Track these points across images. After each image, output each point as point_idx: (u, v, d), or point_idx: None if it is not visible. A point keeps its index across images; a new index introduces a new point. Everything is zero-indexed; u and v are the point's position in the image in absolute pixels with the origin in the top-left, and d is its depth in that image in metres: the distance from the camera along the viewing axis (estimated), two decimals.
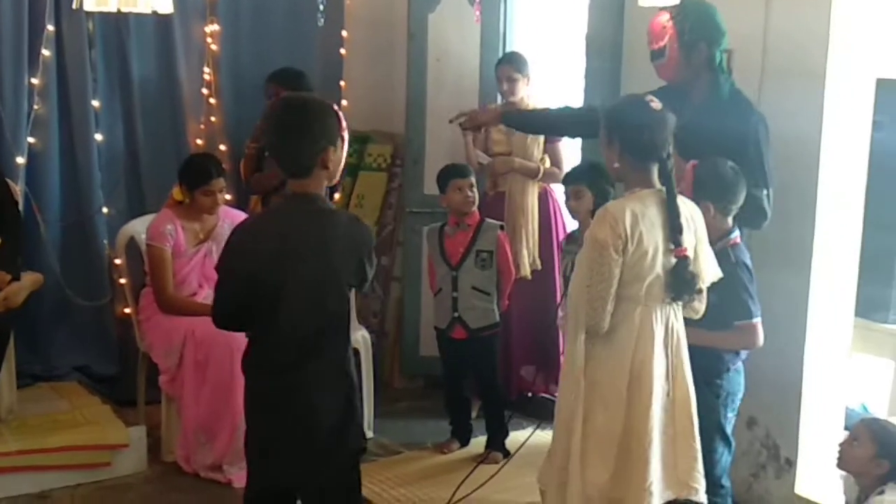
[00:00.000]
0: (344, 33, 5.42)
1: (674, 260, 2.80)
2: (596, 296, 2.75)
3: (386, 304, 5.37)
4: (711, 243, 2.97)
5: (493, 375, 4.43)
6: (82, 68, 4.73)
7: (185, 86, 5.00)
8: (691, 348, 2.95)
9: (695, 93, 3.45)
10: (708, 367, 3.11)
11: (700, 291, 2.87)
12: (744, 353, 3.26)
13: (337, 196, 5.22)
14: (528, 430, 3.97)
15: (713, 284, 2.92)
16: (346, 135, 2.70)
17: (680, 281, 2.80)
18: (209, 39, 5.07)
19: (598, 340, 2.82)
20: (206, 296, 4.28)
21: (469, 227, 4.29)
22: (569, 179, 4.05)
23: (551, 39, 5.15)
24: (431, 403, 4.93)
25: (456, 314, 4.29)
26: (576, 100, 4.45)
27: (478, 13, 3.27)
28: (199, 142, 5.08)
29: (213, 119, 5.12)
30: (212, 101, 5.11)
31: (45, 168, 4.73)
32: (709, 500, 2.99)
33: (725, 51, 3.44)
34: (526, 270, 4.62)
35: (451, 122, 4.15)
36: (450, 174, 4.28)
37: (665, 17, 3.42)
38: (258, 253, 2.63)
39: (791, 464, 3.83)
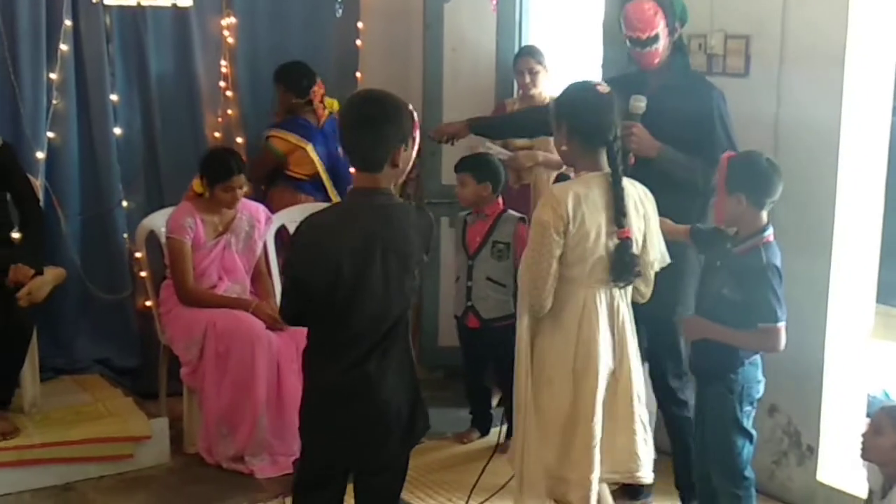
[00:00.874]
0: (360, 24, 5.42)
1: (617, 242, 2.85)
2: (537, 275, 2.84)
3: None
4: (743, 239, 3.00)
5: (508, 365, 4.41)
6: (100, 63, 4.75)
7: (203, 79, 5.02)
8: (706, 343, 3.00)
9: (659, 74, 3.50)
10: (721, 362, 3.11)
11: (640, 275, 2.92)
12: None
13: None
14: None
15: (740, 282, 2.96)
16: (417, 135, 2.71)
17: (621, 263, 2.85)
18: (226, 32, 5.08)
19: (545, 320, 2.90)
20: (227, 288, 4.31)
21: (488, 217, 4.29)
22: (455, 168, 4.24)
23: (567, 28, 5.14)
24: (451, 393, 4.93)
25: (469, 303, 4.30)
26: None
27: (494, 3, 3.26)
28: (216, 134, 5.10)
29: (230, 112, 5.13)
30: (229, 93, 5.12)
31: (65, 162, 4.76)
32: (732, 492, 3.09)
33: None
34: None
35: (429, 137, 4.13)
36: (455, 168, 4.34)
37: (652, 4, 3.41)
38: (341, 251, 2.60)
39: (813, 451, 3.82)
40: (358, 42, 5.44)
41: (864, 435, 3.00)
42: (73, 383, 4.60)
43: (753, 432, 3.25)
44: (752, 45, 3.83)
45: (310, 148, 4.91)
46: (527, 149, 4.71)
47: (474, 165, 4.29)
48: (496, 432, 4.47)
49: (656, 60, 3.49)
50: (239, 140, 5.14)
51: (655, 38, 3.41)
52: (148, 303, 4.68)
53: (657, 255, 3.00)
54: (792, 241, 3.75)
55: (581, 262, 2.85)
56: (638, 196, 2.96)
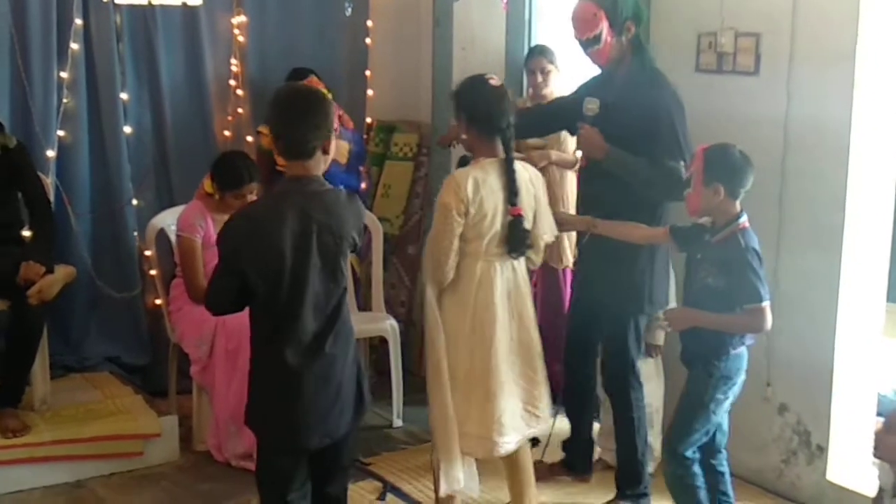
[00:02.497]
0: (369, 23, 5.42)
1: (510, 218, 3.18)
2: (440, 251, 3.18)
3: (413, 293, 5.38)
4: (720, 229, 3.16)
5: None
6: (111, 61, 4.76)
7: (213, 77, 5.03)
8: (696, 331, 3.16)
9: (620, 72, 3.60)
10: (708, 348, 3.20)
11: (531, 246, 3.28)
12: (749, 339, 3.25)
13: (363, 186, 5.23)
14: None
15: (722, 269, 3.12)
16: (338, 126, 2.89)
17: (515, 236, 3.21)
18: (236, 31, 5.09)
19: (447, 291, 3.24)
20: None
21: None
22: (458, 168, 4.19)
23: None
24: None
25: None
26: None
27: (504, 1, 3.26)
28: (226, 133, 5.10)
29: (240, 110, 5.14)
30: (239, 92, 5.13)
31: (75, 161, 4.77)
32: (671, 470, 3.29)
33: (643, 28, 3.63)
34: (568, 261, 4.59)
35: (437, 144, 4.14)
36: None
37: (592, 6, 3.50)
38: (282, 238, 2.72)
39: (822, 450, 3.81)
40: (367, 40, 5.44)
41: (876, 433, 2.99)
42: (84, 381, 4.62)
43: (715, 419, 3.27)
44: (762, 42, 3.82)
45: None
46: (539, 148, 4.69)
47: None
48: None
49: (604, 60, 3.59)
50: (249, 139, 5.14)
51: (597, 39, 3.52)
52: (158, 301, 4.69)
53: (547, 228, 3.37)
54: (802, 239, 3.75)
55: (479, 238, 3.19)
56: (529, 178, 3.30)
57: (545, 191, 3.38)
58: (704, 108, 4.03)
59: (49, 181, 4.51)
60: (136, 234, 4.86)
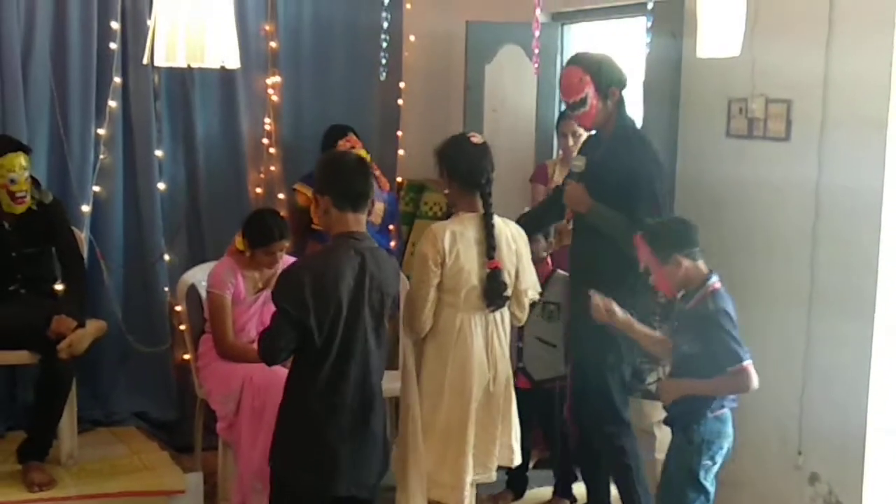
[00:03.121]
0: (401, 84, 5.49)
1: (488, 271, 3.29)
2: (417, 300, 3.31)
3: None
4: (692, 293, 3.19)
5: (555, 425, 4.39)
6: (147, 119, 4.86)
7: (247, 136, 5.10)
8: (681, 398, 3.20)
9: (605, 133, 3.77)
10: (684, 413, 3.21)
11: (508, 299, 3.38)
12: (731, 402, 3.23)
13: (392, 244, 5.25)
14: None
15: (696, 335, 3.14)
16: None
17: (492, 289, 3.31)
18: (270, 91, 5.18)
19: (428, 341, 3.37)
20: None
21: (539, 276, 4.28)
22: None
23: None
24: None
25: (520, 364, 4.26)
26: None
27: (536, 65, 3.31)
28: (258, 190, 5.16)
29: (272, 168, 5.20)
30: (272, 150, 5.20)
31: (110, 216, 4.84)
32: None
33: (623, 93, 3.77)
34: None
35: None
36: None
37: (579, 72, 3.68)
38: (340, 290, 2.90)
39: None
40: (399, 101, 5.51)
41: None
42: (110, 435, 4.63)
43: (710, 488, 3.23)
44: (793, 109, 3.83)
45: None
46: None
47: None
48: (531, 494, 4.43)
49: (589, 122, 3.77)
50: (280, 196, 5.20)
51: (583, 102, 3.68)
52: (186, 356, 4.71)
53: (529, 284, 3.48)
54: (834, 305, 3.71)
55: (456, 290, 3.31)
56: (510, 234, 3.43)
57: (527, 248, 3.49)
58: (735, 174, 4.06)
59: (83, 236, 4.57)
60: (167, 289, 4.90)
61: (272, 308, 4.30)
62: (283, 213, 4.71)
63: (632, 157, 3.65)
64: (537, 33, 3.11)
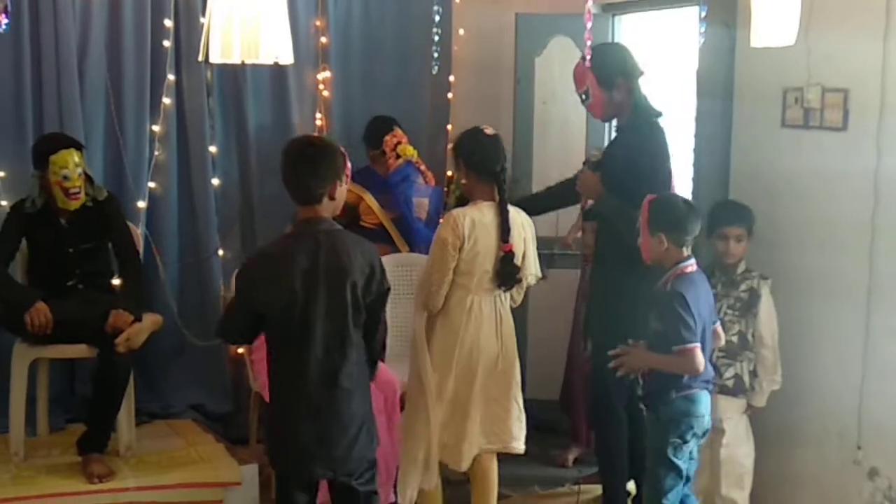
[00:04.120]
0: (451, 78, 5.49)
1: (502, 254, 3.48)
2: (433, 281, 3.49)
3: None
4: (665, 272, 3.38)
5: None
6: (201, 116, 4.91)
7: (298, 131, 5.12)
8: (651, 373, 3.39)
9: (621, 122, 3.89)
10: (652, 393, 3.42)
11: (520, 281, 3.58)
12: (701, 383, 3.36)
13: None
14: None
15: (658, 313, 3.34)
16: (349, 173, 3.15)
17: (505, 271, 3.51)
18: (321, 86, 5.20)
19: (439, 319, 3.54)
20: None
21: None
22: (585, 217, 4.18)
23: (660, 82, 5.11)
24: (537, 447, 4.87)
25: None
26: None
27: (589, 57, 3.29)
28: None
29: None
30: None
31: (165, 212, 4.91)
32: None
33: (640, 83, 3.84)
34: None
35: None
36: (585, 216, 4.24)
37: (581, 64, 3.78)
38: (293, 275, 2.96)
39: None
40: (449, 95, 5.51)
41: None
42: (167, 428, 4.69)
43: (682, 466, 3.38)
44: (850, 98, 3.76)
45: (367, 196, 4.87)
46: None
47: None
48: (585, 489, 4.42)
49: (597, 112, 3.90)
50: None
51: (587, 94, 3.82)
52: (240, 349, 4.76)
53: (533, 270, 3.66)
54: (893, 296, 3.65)
55: (471, 273, 3.49)
56: (521, 222, 3.62)
57: (534, 236, 3.68)
58: (790, 164, 4.00)
59: (139, 231, 4.63)
60: (221, 283, 4.95)
61: None
62: None
63: (631, 147, 3.75)
64: (589, 24, 3.09)
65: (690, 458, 3.42)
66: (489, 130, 3.61)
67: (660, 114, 3.90)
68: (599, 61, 3.70)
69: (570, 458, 4.73)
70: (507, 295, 3.63)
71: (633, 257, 3.56)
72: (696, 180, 4.38)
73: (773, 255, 4.00)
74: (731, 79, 4.22)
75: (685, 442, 3.37)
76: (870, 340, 3.69)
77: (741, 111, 4.21)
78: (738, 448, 3.86)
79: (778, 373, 3.85)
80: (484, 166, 3.55)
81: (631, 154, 3.73)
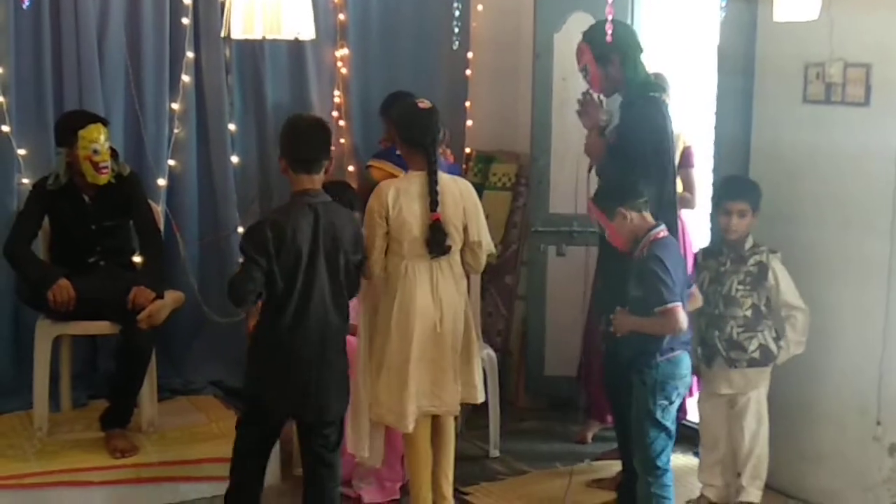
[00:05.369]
0: (469, 55, 5.47)
1: (429, 222, 3.58)
2: (369, 249, 3.61)
3: (510, 323, 5.38)
4: (638, 241, 3.49)
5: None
6: (220, 93, 4.92)
7: (317, 109, 5.12)
8: (628, 336, 3.51)
9: (621, 97, 3.94)
10: (636, 358, 3.52)
11: (449, 249, 3.64)
12: (682, 345, 3.50)
13: None
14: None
15: (637, 280, 3.46)
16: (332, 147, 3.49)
17: (434, 240, 3.60)
18: (339, 63, 5.20)
19: (382, 284, 3.69)
20: None
21: None
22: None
23: (680, 56, 5.09)
24: (557, 424, 4.90)
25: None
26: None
27: (610, 31, 3.28)
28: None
29: (342, 141, 5.23)
30: (341, 123, 5.23)
31: (185, 190, 4.93)
32: (646, 479, 3.55)
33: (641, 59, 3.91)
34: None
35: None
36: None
37: (581, 42, 3.90)
38: (298, 240, 3.29)
39: None
40: (467, 72, 5.50)
41: None
42: (189, 404, 4.74)
43: (670, 426, 3.52)
44: (873, 73, 3.74)
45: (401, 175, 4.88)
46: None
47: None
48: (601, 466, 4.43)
49: (596, 88, 3.95)
50: (350, 168, 5.24)
51: (585, 70, 3.92)
52: None
53: (479, 238, 3.74)
54: None
55: (400, 240, 3.62)
56: (458, 191, 3.72)
57: (477, 204, 3.78)
58: (812, 141, 3.97)
59: (160, 209, 4.65)
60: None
61: None
62: (353, 184, 4.74)
63: (623, 122, 3.86)
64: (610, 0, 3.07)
65: (675, 419, 3.56)
66: (424, 104, 3.74)
67: (660, 89, 3.94)
68: (596, 37, 3.79)
69: (590, 434, 4.75)
70: (451, 263, 3.71)
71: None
72: (717, 157, 4.36)
73: (793, 232, 3.98)
74: (752, 54, 4.19)
75: (671, 403, 3.51)
76: (890, 317, 3.69)
77: (762, 87, 4.18)
78: (759, 419, 3.86)
79: (805, 334, 3.85)
80: (416, 138, 3.67)
81: (623, 129, 3.83)
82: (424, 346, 3.66)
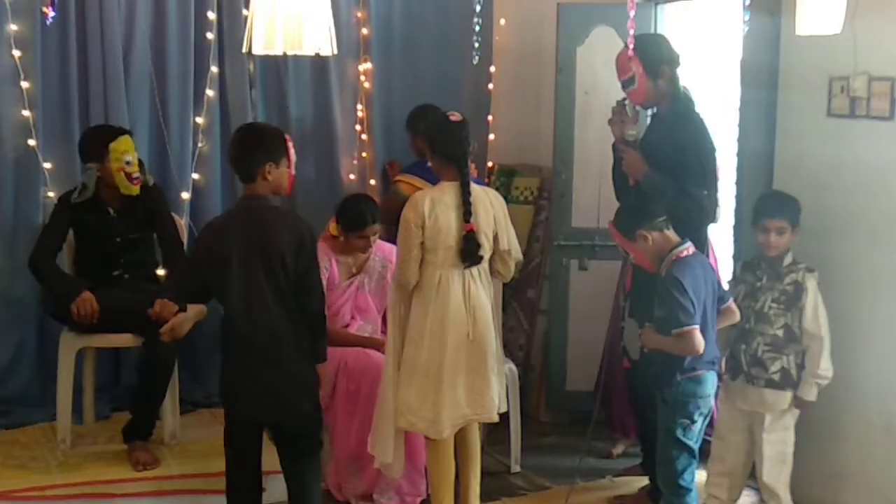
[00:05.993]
0: (492, 68, 5.48)
1: (464, 233, 3.63)
2: (404, 259, 3.67)
3: (532, 337, 5.36)
4: (663, 259, 3.52)
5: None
6: (243, 107, 4.96)
7: (340, 123, 5.16)
8: (653, 355, 3.56)
9: (662, 110, 3.98)
10: (658, 377, 3.56)
11: (481, 259, 3.69)
12: (705, 365, 3.49)
13: None
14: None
15: (660, 300, 3.48)
16: (292, 157, 3.52)
17: (467, 249, 3.65)
18: (362, 77, 5.22)
19: (415, 295, 3.72)
20: (359, 327, 4.37)
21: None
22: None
23: (703, 70, 5.07)
24: (578, 439, 4.87)
25: (622, 343, 4.22)
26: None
27: (632, 46, 3.27)
28: (351, 176, 5.22)
29: (364, 154, 5.25)
30: (364, 137, 5.25)
31: (208, 203, 4.96)
32: (668, 498, 3.59)
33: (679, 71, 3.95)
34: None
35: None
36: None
37: (627, 53, 3.81)
38: (229, 244, 3.38)
39: None
40: (490, 85, 5.50)
41: None
42: (210, 416, 4.75)
43: (693, 446, 3.53)
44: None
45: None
46: None
47: None
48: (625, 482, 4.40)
49: (640, 99, 3.94)
50: (372, 182, 5.25)
51: (631, 80, 3.90)
52: None
53: (511, 245, 3.80)
54: None
55: (436, 250, 3.65)
56: (489, 200, 3.77)
57: (506, 213, 3.82)
58: (836, 155, 3.94)
59: (183, 222, 4.68)
60: None
61: (365, 293, 4.42)
62: (375, 198, 4.75)
63: (686, 135, 3.83)
64: (632, 13, 3.07)
65: (699, 437, 3.56)
66: (455, 117, 3.77)
67: (695, 103, 3.97)
68: (645, 49, 3.78)
69: (615, 452, 4.71)
70: (480, 271, 3.74)
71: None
72: (740, 171, 4.34)
73: (818, 247, 3.95)
74: (775, 67, 4.17)
75: (693, 422, 3.51)
76: None
77: (786, 101, 4.16)
78: (780, 438, 3.78)
79: (823, 367, 3.70)
80: (448, 151, 3.70)
81: (686, 143, 3.81)
82: (458, 355, 3.68)
